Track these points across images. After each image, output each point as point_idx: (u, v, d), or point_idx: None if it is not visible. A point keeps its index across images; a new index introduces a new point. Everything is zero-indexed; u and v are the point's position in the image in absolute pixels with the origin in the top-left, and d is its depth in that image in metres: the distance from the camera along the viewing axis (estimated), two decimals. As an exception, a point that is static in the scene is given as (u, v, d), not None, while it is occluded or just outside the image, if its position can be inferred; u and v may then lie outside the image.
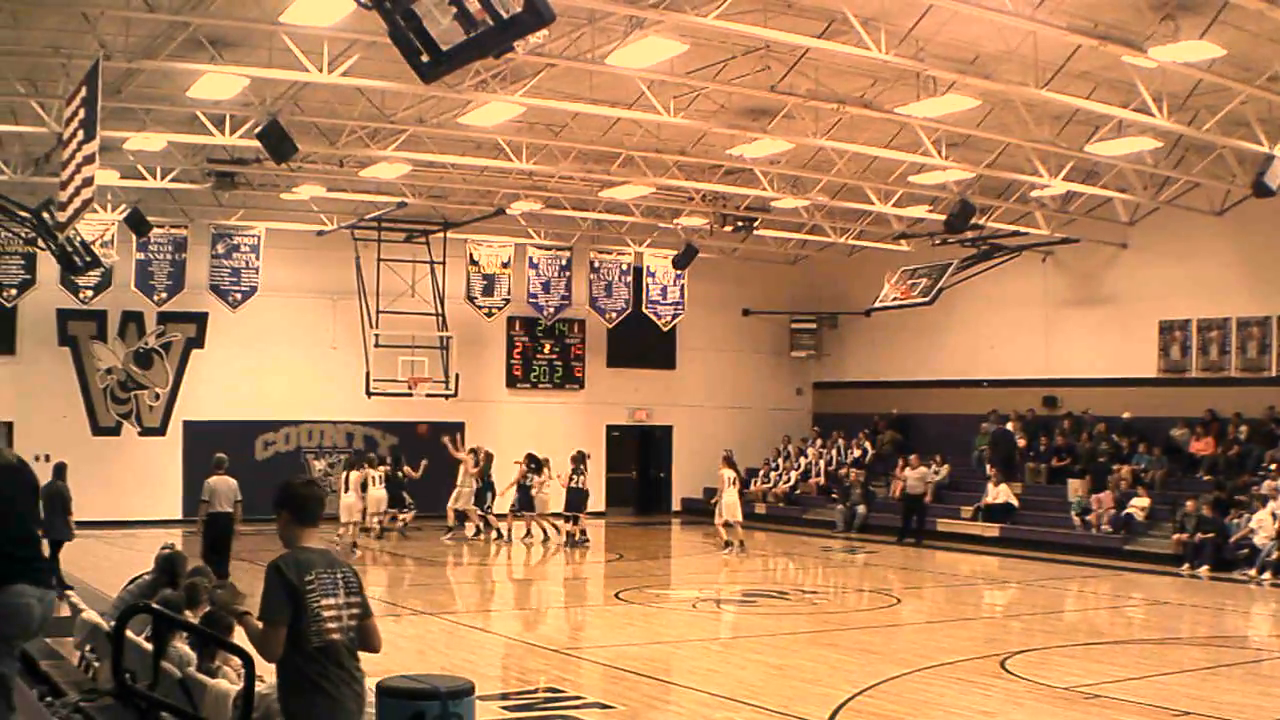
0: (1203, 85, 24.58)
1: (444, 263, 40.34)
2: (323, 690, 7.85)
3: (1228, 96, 24.84)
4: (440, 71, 11.56)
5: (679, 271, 43.28)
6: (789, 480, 45.13)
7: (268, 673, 8.49)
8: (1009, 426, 40.08)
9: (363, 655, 8.16)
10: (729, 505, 33.67)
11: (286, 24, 21.10)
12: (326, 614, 7.91)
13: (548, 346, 44.95)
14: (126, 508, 36.26)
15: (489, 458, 36.73)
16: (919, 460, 38.48)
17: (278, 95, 26.46)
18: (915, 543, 36.35)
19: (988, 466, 38.62)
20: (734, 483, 33.87)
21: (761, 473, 45.69)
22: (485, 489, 36.59)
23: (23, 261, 35.43)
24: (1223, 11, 20.48)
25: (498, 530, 36.21)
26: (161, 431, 39.13)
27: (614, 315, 43.76)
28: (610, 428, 46.07)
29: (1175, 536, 31.42)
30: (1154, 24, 21.24)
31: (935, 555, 34.53)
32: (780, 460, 46.14)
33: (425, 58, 11.11)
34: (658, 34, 21.61)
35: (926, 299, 38.50)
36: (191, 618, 11.34)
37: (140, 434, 38.99)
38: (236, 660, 9.75)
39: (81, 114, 20.90)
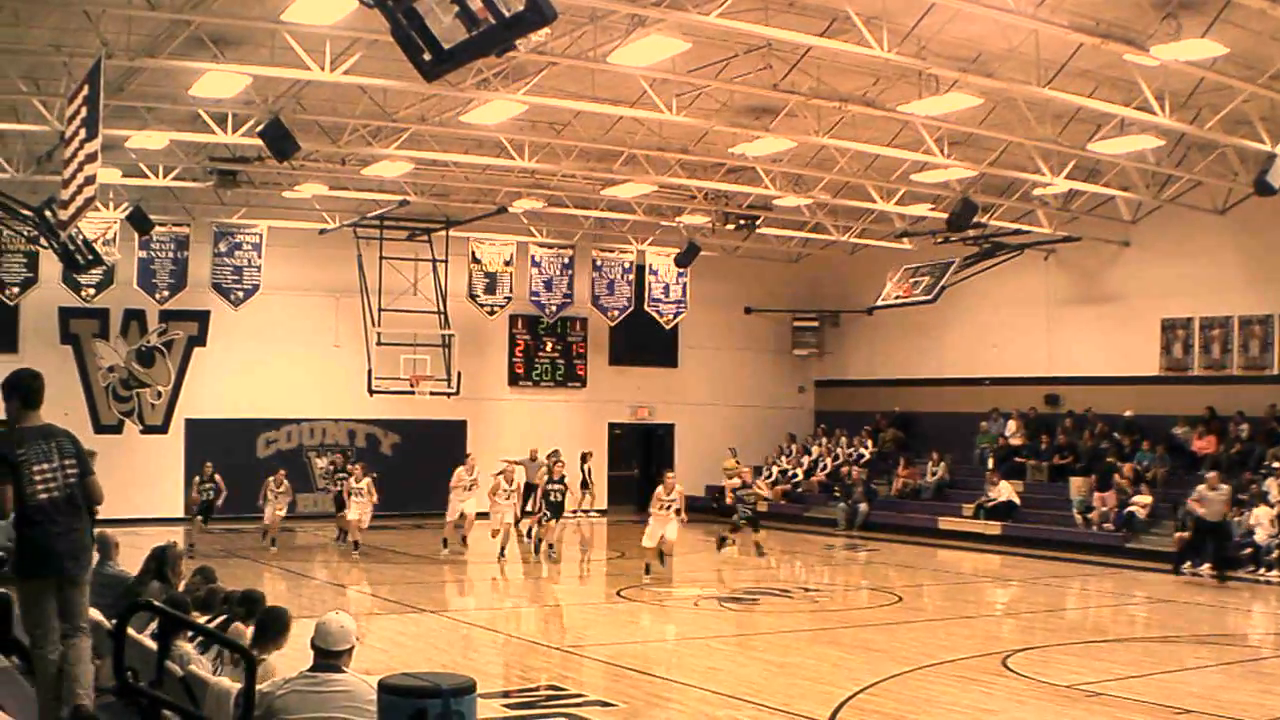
0: (1205, 84, 24.58)
1: (446, 261, 40.28)
2: (33, 539, 9.73)
3: (1230, 95, 24.84)
4: (442, 70, 11.52)
5: (681, 270, 43.32)
6: (796, 478, 45.18)
7: (269, 671, 8.73)
8: (1010, 425, 40.22)
9: (368, 653, 8.30)
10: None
11: (288, 22, 21.12)
12: (38, 477, 9.71)
13: (550, 345, 44.95)
14: (129, 505, 35.86)
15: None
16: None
17: (280, 93, 26.46)
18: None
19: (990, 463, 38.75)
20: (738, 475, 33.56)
21: (764, 470, 45.66)
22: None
23: (25, 260, 35.44)
24: (1225, 10, 20.49)
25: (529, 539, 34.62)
26: (164, 429, 39.14)
27: (616, 313, 43.75)
28: (612, 426, 46.08)
29: (1177, 535, 31.39)
30: (1156, 22, 21.25)
31: (937, 553, 34.55)
32: (783, 458, 46.21)
33: (427, 56, 11.08)
34: (659, 32, 21.61)
35: (928, 297, 38.46)
36: (199, 618, 11.39)
37: (142, 432, 39.01)
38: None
39: (83, 112, 20.86)
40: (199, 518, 31.93)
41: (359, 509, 32.35)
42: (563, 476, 32.17)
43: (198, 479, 32.78)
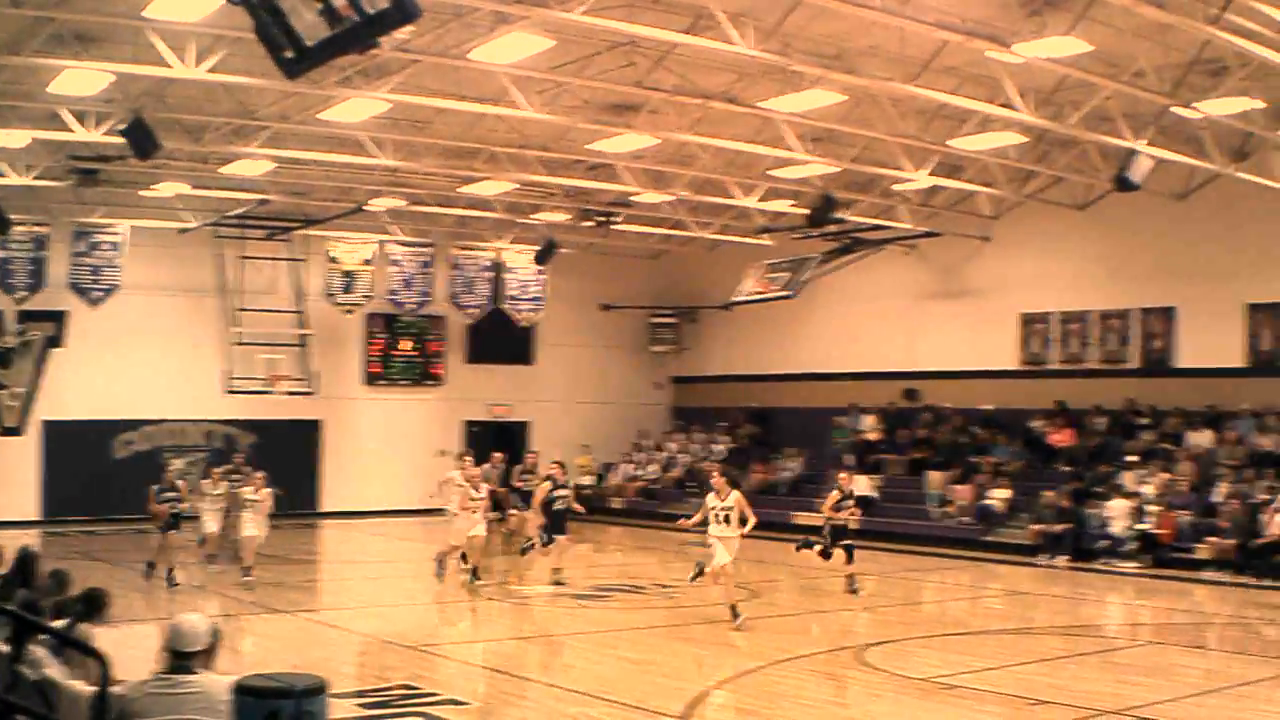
0: (1068, 81, 24.84)
1: (305, 260, 40.18)
2: None
3: (1092, 92, 25.04)
4: (305, 67, 11.52)
5: (539, 267, 43.24)
6: (648, 474, 45.13)
7: (123, 673, 8.57)
8: (867, 420, 40.43)
9: (224, 654, 8.32)
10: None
11: (151, 19, 20.76)
12: None
13: (407, 343, 44.58)
14: (-18, 507, 35.69)
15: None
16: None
17: (142, 91, 26.00)
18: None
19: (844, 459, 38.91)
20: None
21: (619, 467, 45.64)
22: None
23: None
24: (1089, 8, 20.62)
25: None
26: (20, 431, 38.29)
27: (474, 311, 43.62)
28: (469, 424, 45.73)
29: (1033, 527, 31.70)
30: (1020, 20, 21.37)
31: (791, 548, 34.61)
32: (639, 454, 46.19)
33: (290, 53, 11.09)
34: (522, 29, 21.41)
35: (788, 293, 38.65)
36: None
37: None
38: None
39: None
40: (170, 532, 28.62)
41: (256, 526, 27.11)
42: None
43: (155, 489, 27.61)
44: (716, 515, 21.67)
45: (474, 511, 26.69)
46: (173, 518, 26.86)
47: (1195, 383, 33.61)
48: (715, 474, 23.45)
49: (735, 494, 21.86)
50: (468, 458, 29.45)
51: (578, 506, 28.06)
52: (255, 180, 34.19)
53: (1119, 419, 34.84)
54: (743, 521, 21.57)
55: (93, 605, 11.44)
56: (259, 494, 27.36)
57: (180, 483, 28.20)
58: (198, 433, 41.01)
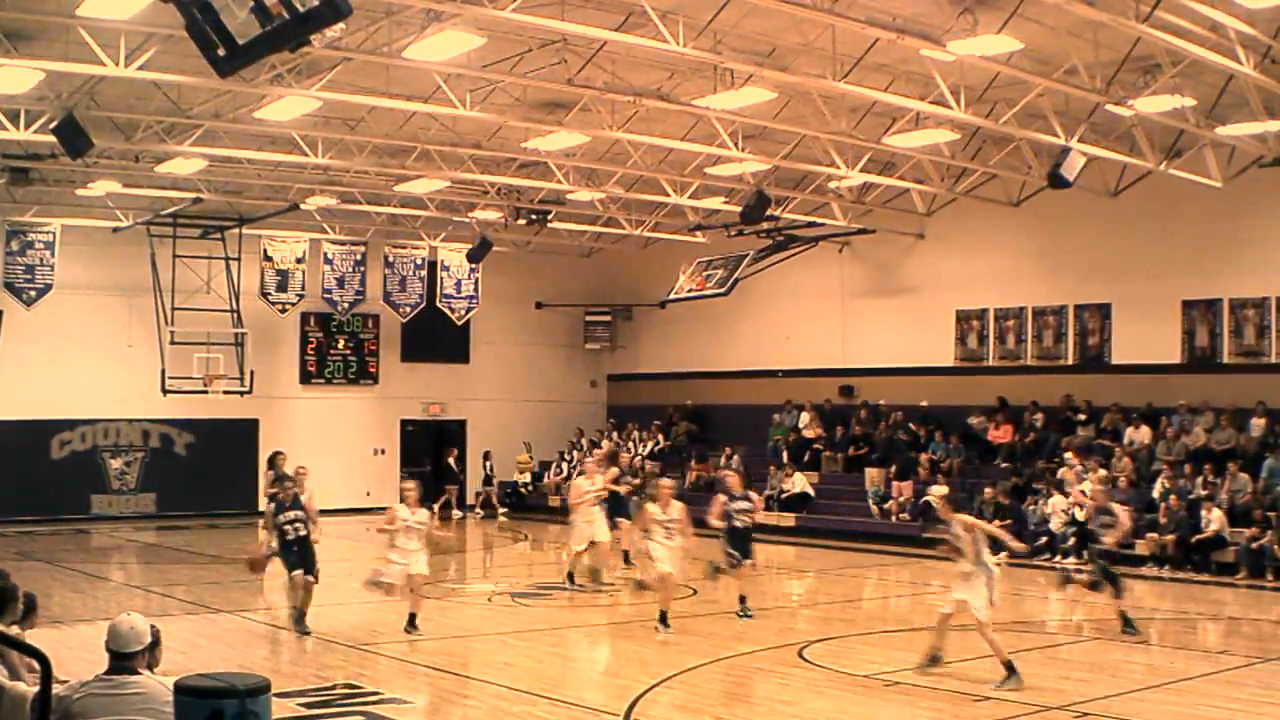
0: (1000, 78, 24.88)
1: (239, 259, 39.88)
2: None
3: (1025, 89, 25.10)
4: (236, 65, 11.51)
5: (473, 265, 43.14)
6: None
7: (64, 674, 8.68)
8: (804, 417, 40.45)
9: (165, 655, 8.33)
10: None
11: (83, 17, 20.62)
12: None
13: (341, 342, 44.50)
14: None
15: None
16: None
17: (74, 89, 25.75)
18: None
19: (785, 455, 38.92)
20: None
21: (554, 465, 45.59)
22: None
23: None
24: (1021, 6, 20.70)
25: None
26: (-45, 431, 38.12)
27: (408, 309, 43.42)
28: (405, 422, 45.78)
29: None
30: (953, 18, 21.35)
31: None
32: (575, 453, 46.13)
33: (221, 51, 11.11)
34: (454, 27, 21.36)
35: (722, 290, 38.65)
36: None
37: (-65, 434, 38.07)
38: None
39: None
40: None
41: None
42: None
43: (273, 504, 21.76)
44: (661, 527, 20.70)
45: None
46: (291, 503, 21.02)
47: (1132, 379, 33.81)
48: (662, 485, 21.82)
49: (679, 505, 20.97)
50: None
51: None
52: (188, 179, 33.98)
53: (1056, 415, 34.95)
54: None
55: (27, 608, 11.34)
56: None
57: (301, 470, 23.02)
58: (135, 432, 40.87)
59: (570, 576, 25.73)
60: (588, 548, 25.49)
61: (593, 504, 25.60)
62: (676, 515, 20.75)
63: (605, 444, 29.38)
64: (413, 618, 20.54)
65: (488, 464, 45.29)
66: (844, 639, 20.68)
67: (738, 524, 22.11)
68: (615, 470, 28.09)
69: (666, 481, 22.29)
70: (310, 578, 20.66)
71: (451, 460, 44.90)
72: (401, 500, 20.80)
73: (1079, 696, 15.72)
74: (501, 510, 44.18)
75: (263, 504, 38.66)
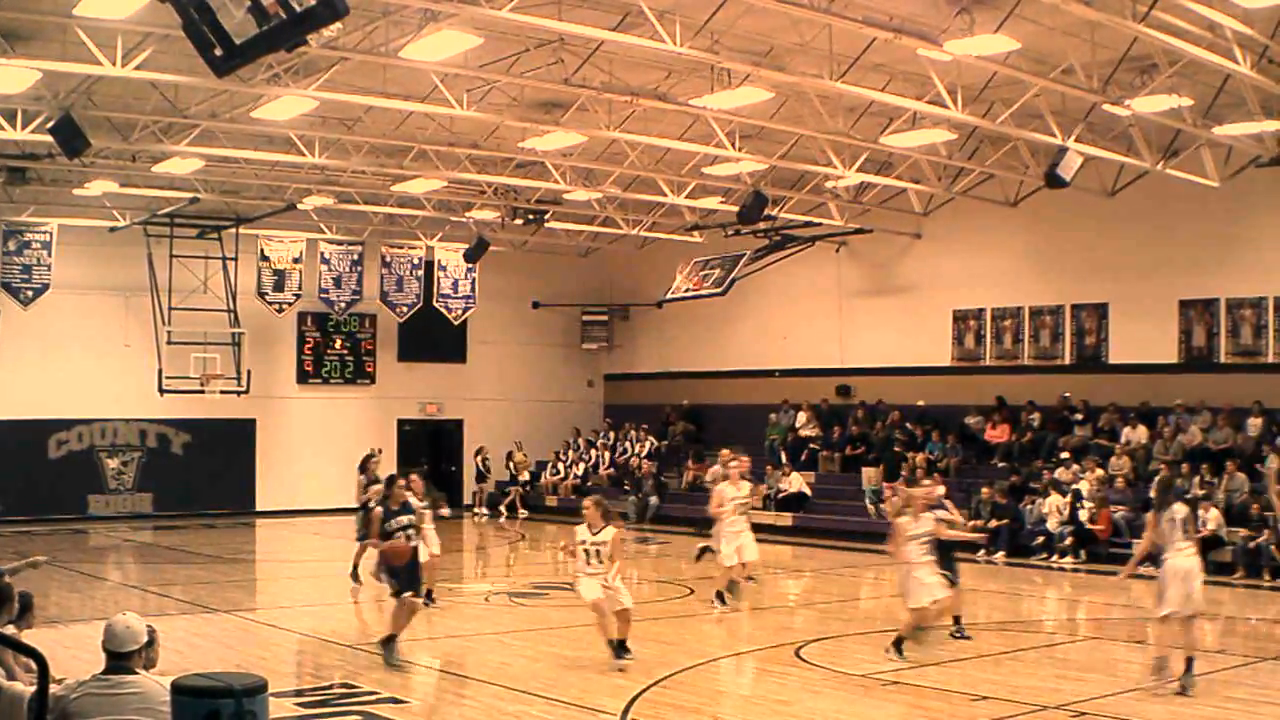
0: (997, 78, 24.84)
1: (236, 259, 39.85)
2: None
3: (1022, 89, 25.06)
4: (233, 65, 11.49)
5: (470, 265, 43.10)
6: (580, 472, 45.05)
7: (61, 673, 8.68)
8: (800, 416, 40.43)
9: (162, 654, 8.29)
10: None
11: (80, 17, 20.60)
12: None
13: (339, 342, 44.43)
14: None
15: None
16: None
17: (71, 89, 25.70)
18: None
19: (782, 455, 38.91)
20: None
21: (551, 465, 45.59)
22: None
23: None
24: (1018, 5, 20.66)
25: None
26: (-48, 431, 38.12)
27: (405, 309, 43.37)
28: (402, 422, 45.69)
29: (970, 523, 31.74)
30: (950, 17, 21.35)
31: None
32: (570, 452, 46.12)
33: (218, 51, 11.11)
34: (451, 27, 21.33)
35: (719, 290, 38.65)
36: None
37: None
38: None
39: None
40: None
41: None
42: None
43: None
44: (585, 550, 17.77)
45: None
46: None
47: (1129, 379, 33.81)
48: (587, 504, 18.43)
49: (610, 530, 17.76)
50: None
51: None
52: (185, 178, 33.96)
53: (1053, 415, 34.94)
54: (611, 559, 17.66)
55: (23, 608, 11.34)
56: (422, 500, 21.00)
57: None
58: (132, 432, 40.81)
59: (720, 595, 23.14)
60: (737, 565, 23.00)
61: (734, 513, 23.05)
62: (607, 539, 17.73)
63: (724, 451, 25.27)
64: (429, 592, 20.92)
65: (479, 458, 45.29)
66: (841, 638, 20.62)
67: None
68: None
69: (588, 500, 18.75)
70: (420, 598, 19.39)
71: (479, 460, 44.84)
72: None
73: (1076, 696, 15.67)
74: (523, 513, 43.98)
75: (261, 503, 38.89)
